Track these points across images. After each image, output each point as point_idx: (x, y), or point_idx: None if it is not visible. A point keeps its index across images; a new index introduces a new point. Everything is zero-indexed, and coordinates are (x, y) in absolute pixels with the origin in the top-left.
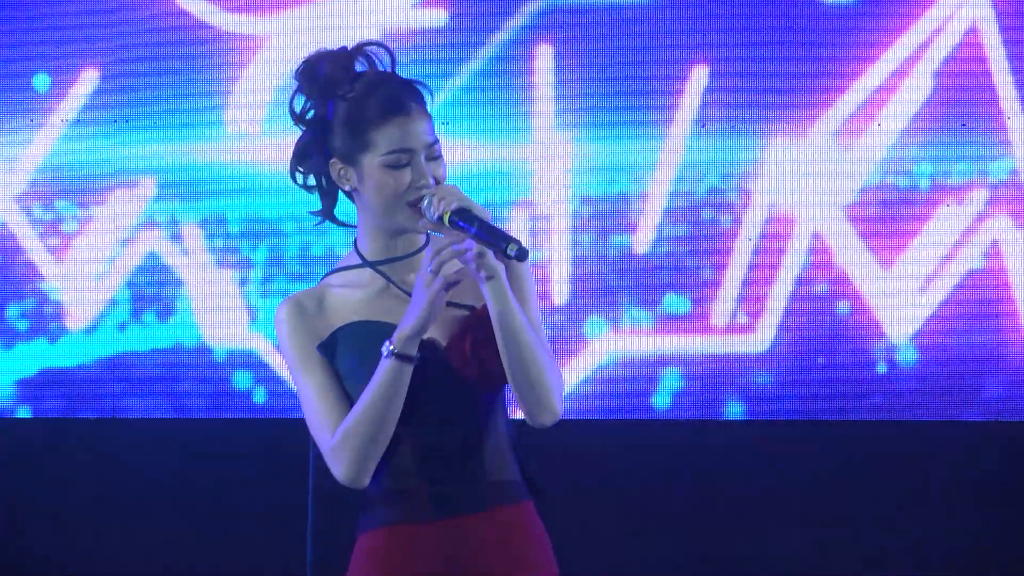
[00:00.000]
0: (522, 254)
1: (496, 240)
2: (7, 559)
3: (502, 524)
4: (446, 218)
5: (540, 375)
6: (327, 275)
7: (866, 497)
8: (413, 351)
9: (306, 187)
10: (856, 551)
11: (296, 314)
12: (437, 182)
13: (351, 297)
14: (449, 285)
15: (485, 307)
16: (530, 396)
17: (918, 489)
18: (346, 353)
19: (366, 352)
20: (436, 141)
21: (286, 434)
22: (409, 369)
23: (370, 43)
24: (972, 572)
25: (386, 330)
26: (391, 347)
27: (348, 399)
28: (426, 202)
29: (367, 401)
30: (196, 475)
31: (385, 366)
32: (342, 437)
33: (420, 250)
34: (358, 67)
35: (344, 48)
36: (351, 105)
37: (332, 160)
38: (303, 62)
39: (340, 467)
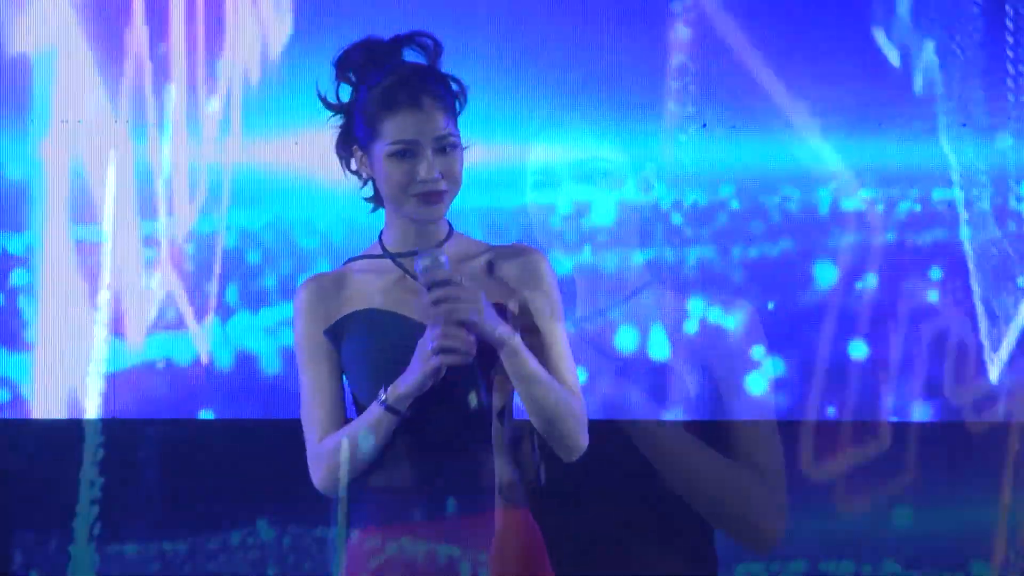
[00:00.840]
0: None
1: None
2: (6, 559)
3: (498, 526)
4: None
5: (564, 426)
6: (351, 260)
7: (864, 495)
8: (403, 408)
9: (356, 173)
10: (859, 552)
11: (314, 297)
12: (443, 175)
13: (369, 283)
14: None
15: (503, 306)
16: (556, 443)
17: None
18: (352, 338)
19: (371, 341)
20: (448, 134)
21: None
22: (396, 421)
23: (420, 34)
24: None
25: (396, 321)
26: (384, 397)
27: (342, 402)
28: (418, 257)
29: (350, 433)
30: (202, 476)
31: (374, 412)
32: (320, 453)
33: (442, 243)
34: (407, 57)
35: (397, 36)
36: (372, 95)
37: (354, 147)
38: (343, 50)
39: (315, 476)
